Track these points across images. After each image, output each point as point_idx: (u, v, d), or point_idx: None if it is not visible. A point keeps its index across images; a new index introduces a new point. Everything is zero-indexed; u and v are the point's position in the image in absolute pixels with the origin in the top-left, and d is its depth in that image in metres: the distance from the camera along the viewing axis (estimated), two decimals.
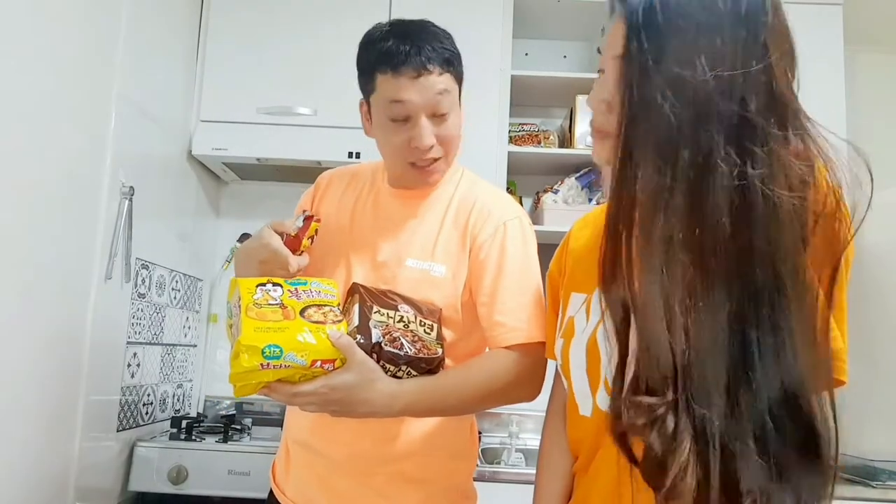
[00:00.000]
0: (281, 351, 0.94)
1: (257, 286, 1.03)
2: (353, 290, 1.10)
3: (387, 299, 1.09)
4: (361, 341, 1.00)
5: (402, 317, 1.06)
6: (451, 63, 1.13)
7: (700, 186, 0.68)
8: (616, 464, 0.77)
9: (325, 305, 1.03)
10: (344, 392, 0.98)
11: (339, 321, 1.01)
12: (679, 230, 0.68)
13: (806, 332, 0.68)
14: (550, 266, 1.03)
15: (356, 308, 1.05)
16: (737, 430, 0.66)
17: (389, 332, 1.03)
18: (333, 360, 0.98)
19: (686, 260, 0.68)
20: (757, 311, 0.68)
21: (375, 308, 1.06)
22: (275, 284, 1.04)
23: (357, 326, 1.02)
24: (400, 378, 1.04)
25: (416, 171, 1.17)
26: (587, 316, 0.86)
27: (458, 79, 1.16)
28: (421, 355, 1.04)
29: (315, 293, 1.05)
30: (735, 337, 0.68)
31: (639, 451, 0.72)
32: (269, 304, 1.00)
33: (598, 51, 0.82)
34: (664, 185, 0.68)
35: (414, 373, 1.04)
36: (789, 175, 0.69)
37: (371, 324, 1.03)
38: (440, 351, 1.07)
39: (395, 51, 1.10)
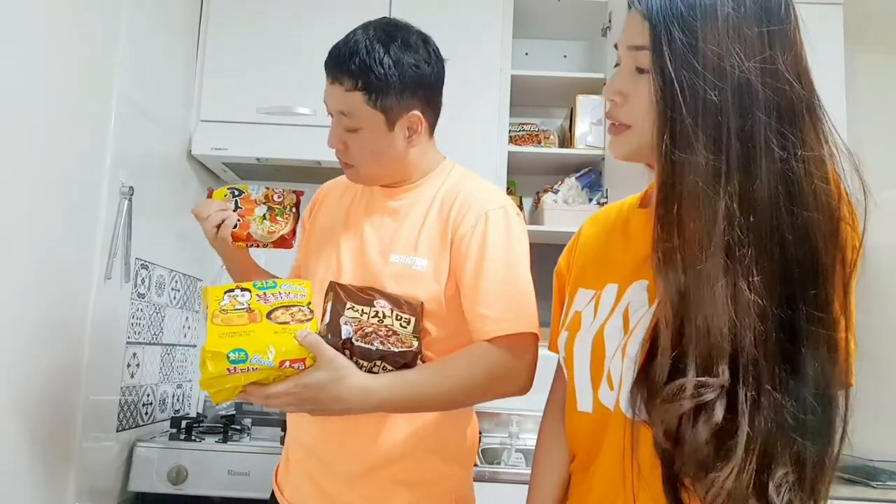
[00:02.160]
0: (246, 355, 0.94)
1: (225, 293, 1.04)
2: (329, 289, 1.10)
3: (364, 296, 1.09)
4: (330, 338, 1.00)
5: (378, 312, 1.07)
6: (371, 89, 1.09)
7: (752, 171, 0.69)
8: (620, 463, 0.77)
9: (293, 306, 1.03)
10: (316, 390, 0.98)
11: (308, 320, 1.01)
12: (736, 214, 0.69)
13: (838, 329, 0.70)
14: (559, 261, 1.03)
15: (329, 306, 1.06)
16: (781, 419, 0.67)
17: (362, 328, 1.03)
18: (303, 359, 0.98)
19: (744, 243, 0.68)
20: (804, 298, 0.69)
21: (349, 304, 1.06)
22: (243, 290, 1.04)
23: (328, 324, 1.03)
24: (375, 373, 1.03)
25: (340, 164, 1.22)
26: (595, 312, 0.87)
27: (382, 107, 1.11)
28: (394, 349, 1.03)
29: (284, 295, 1.05)
30: (786, 323, 0.68)
31: (648, 441, 0.72)
32: (236, 310, 1.01)
33: (616, 46, 0.82)
34: (719, 171, 0.70)
35: (389, 367, 1.04)
36: (820, 167, 0.71)
37: (342, 321, 1.03)
38: (416, 344, 1.06)
39: (331, 50, 1.14)
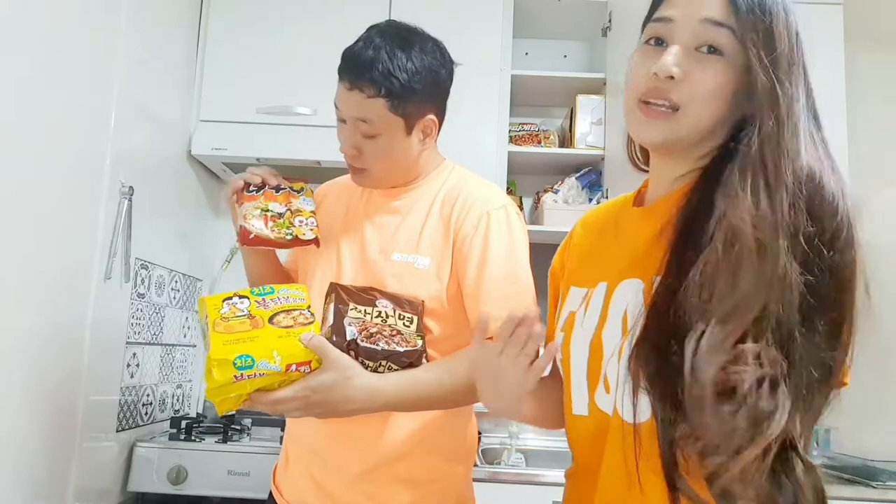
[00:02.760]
0: (252, 360, 0.94)
1: (223, 301, 1.03)
2: (330, 291, 1.10)
3: (366, 296, 1.09)
4: (335, 340, 1.00)
5: (380, 312, 1.07)
6: (394, 95, 1.10)
7: (789, 147, 0.73)
8: (623, 469, 0.75)
9: (294, 310, 1.03)
10: (324, 392, 0.98)
11: (310, 323, 1.01)
12: (773, 183, 0.71)
13: (847, 292, 0.72)
14: (553, 261, 1.03)
15: (332, 308, 1.06)
16: (809, 386, 0.68)
17: (366, 329, 1.03)
18: (309, 362, 0.98)
19: (777, 210, 0.70)
20: (823, 264, 0.70)
21: (352, 305, 1.06)
22: (241, 297, 1.04)
23: (332, 326, 1.03)
24: (381, 373, 1.03)
25: (350, 169, 1.21)
26: (585, 311, 0.86)
27: (404, 113, 1.12)
28: (399, 349, 1.04)
29: (283, 300, 1.05)
30: (809, 290, 0.69)
31: (652, 443, 0.72)
32: (237, 317, 1.00)
33: (654, 19, 0.80)
34: (761, 144, 0.73)
35: (395, 367, 1.04)
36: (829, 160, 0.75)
37: (346, 322, 1.03)
38: (420, 343, 1.07)
39: (348, 56, 1.12)
